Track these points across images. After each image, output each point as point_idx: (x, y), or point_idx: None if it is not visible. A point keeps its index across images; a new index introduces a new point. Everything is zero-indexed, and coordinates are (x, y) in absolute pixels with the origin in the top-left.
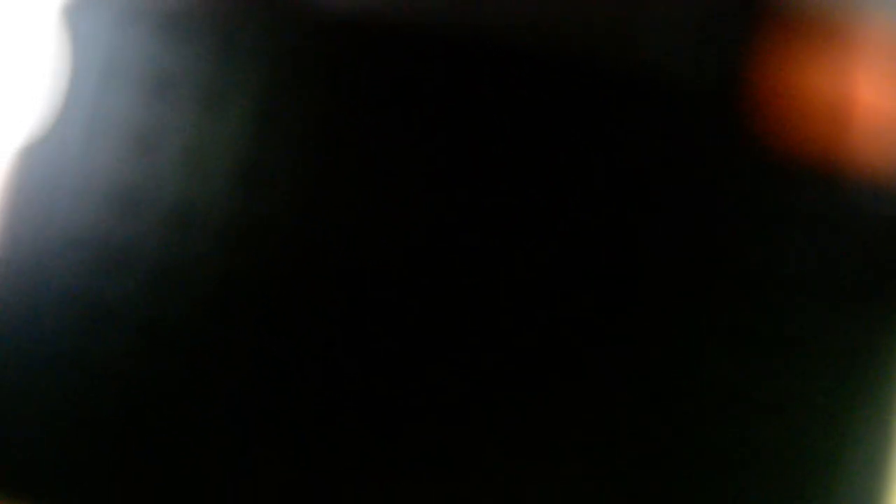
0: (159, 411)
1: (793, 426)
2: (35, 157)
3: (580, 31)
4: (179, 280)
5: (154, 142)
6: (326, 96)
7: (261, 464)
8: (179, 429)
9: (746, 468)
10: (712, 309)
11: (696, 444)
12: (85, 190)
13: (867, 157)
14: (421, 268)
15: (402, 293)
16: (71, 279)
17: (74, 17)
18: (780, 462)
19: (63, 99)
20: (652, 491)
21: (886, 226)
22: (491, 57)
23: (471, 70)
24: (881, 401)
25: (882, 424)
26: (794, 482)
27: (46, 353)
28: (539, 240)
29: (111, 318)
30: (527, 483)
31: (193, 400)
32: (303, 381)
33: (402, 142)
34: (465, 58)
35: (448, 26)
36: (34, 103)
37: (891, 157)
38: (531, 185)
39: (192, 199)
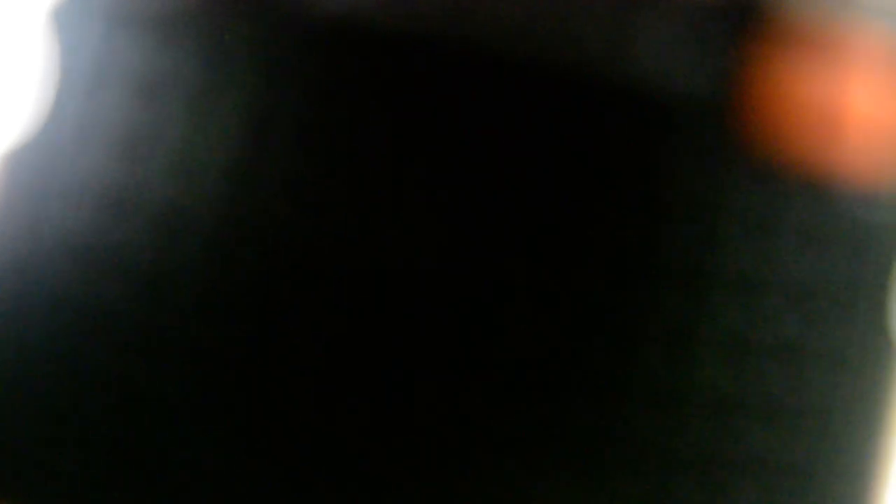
0: (151, 415)
1: (784, 433)
2: (24, 161)
3: (572, 41)
4: (170, 283)
5: (144, 145)
6: (316, 99)
7: (256, 466)
8: (171, 432)
9: (738, 474)
10: (704, 316)
11: (688, 449)
12: (74, 193)
13: (859, 166)
14: (412, 270)
15: (393, 295)
16: (60, 283)
17: (63, 21)
18: (772, 468)
19: (52, 103)
20: (643, 497)
21: (878, 234)
22: (481, 65)
23: (462, 76)
24: (872, 407)
25: (872, 431)
26: (786, 488)
27: (36, 357)
28: (529, 248)
29: (101, 321)
30: (517, 486)
31: (185, 403)
32: (295, 383)
33: (392, 146)
34: (456, 64)
35: (441, 34)
36: (23, 107)
37: (882, 166)
38: (521, 194)
39: (183, 203)
